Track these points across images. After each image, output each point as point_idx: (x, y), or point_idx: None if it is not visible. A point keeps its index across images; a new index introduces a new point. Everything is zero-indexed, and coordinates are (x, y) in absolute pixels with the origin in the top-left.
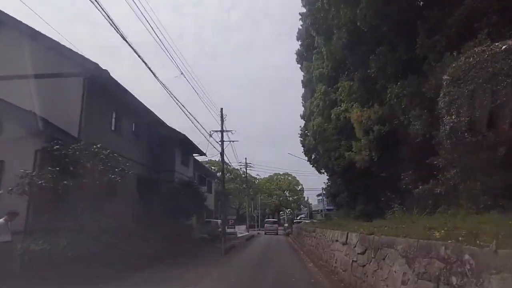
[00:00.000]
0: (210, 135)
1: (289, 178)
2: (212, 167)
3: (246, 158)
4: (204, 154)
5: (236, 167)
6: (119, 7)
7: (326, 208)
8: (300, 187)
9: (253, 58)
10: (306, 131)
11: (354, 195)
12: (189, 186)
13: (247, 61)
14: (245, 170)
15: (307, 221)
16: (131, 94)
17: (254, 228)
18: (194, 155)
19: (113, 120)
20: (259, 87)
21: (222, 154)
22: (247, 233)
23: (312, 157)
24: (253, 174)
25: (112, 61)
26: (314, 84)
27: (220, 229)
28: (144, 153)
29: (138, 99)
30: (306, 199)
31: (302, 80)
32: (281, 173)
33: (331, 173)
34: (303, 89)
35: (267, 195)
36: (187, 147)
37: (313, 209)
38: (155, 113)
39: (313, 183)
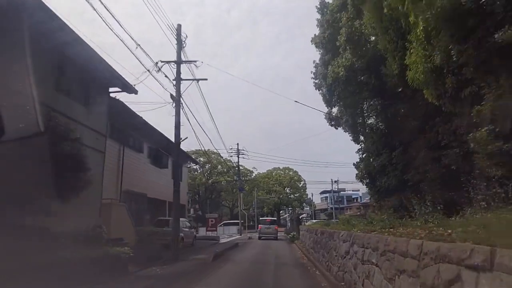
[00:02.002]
0: (159, 69)
1: (290, 173)
2: (200, 159)
3: (238, 144)
4: (135, 92)
5: (219, 152)
6: None
7: (331, 207)
8: (302, 183)
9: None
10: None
11: None
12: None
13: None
14: (237, 158)
15: (313, 221)
16: None
17: (251, 229)
18: (112, 90)
19: None
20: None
21: (177, 100)
22: (238, 237)
23: (338, 103)
24: (250, 168)
25: None
26: None
27: (180, 235)
28: None
29: None
30: (311, 195)
31: None
32: (281, 167)
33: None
34: None
35: (265, 192)
36: (82, 60)
37: (316, 208)
38: None
39: (315, 178)
